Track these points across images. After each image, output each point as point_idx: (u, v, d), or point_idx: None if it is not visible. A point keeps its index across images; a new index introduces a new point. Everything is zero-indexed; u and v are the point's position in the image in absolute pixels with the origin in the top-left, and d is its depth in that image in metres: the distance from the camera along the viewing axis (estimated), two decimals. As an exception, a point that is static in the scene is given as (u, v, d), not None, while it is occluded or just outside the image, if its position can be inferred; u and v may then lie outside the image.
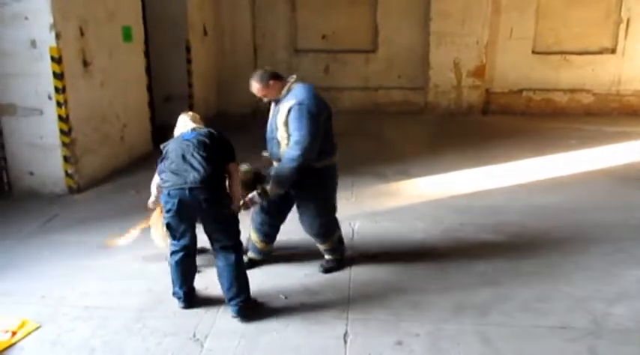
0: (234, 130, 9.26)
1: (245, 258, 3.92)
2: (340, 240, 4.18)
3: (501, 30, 10.33)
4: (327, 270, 4.09)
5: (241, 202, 3.66)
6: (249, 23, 10.56)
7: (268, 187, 3.70)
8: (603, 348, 3.16)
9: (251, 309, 3.50)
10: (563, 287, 3.84)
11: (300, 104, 3.63)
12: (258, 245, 4.17)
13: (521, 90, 10.60)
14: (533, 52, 10.46)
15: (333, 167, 3.96)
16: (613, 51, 10.40)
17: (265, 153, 4.03)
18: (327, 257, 4.15)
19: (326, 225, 3.99)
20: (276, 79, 3.80)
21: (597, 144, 8.09)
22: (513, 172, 6.69)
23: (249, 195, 3.72)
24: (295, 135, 3.63)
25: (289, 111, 3.65)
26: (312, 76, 10.60)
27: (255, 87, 3.78)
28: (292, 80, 3.82)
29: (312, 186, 3.84)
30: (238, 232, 3.54)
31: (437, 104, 10.51)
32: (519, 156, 7.34)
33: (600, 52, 10.43)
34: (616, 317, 3.47)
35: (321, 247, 4.12)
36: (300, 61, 10.66)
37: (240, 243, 3.58)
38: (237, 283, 3.44)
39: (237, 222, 3.54)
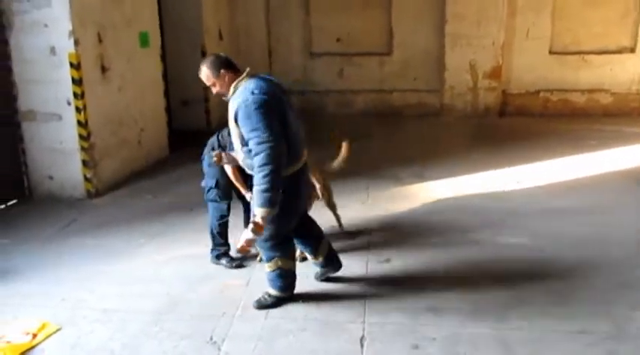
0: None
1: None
2: (285, 274, 3.58)
3: (517, 31, 10.23)
4: (259, 305, 3.60)
5: (239, 247, 3.29)
6: (263, 27, 10.60)
7: (256, 218, 3.16)
8: (625, 354, 3.11)
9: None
10: (582, 291, 3.79)
11: (245, 101, 3.13)
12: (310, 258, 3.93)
13: (538, 91, 10.48)
14: (551, 53, 10.34)
15: (298, 175, 3.41)
16: (632, 50, 10.22)
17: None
18: (267, 290, 3.65)
19: (265, 243, 3.47)
20: (229, 69, 3.32)
21: (617, 144, 7.96)
22: (532, 174, 6.61)
23: (242, 237, 3.23)
24: (254, 137, 3.09)
25: (237, 113, 3.18)
26: (327, 79, 10.64)
27: (205, 73, 3.33)
28: (243, 75, 3.32)
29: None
30: (211, 190, 4.13)
31: (453, 106, 10.44)
32: (537, 157, 7.25)
33: (619, 52, 10.27)
34: (638, 322, 3.41)
35: (265, 267, 3.64)
36: (315, 64, 10.67)
37: (212, 199, 4.15)
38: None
39: (211, 182, 4.10)
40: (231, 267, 4.21)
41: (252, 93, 3.16)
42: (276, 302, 3.64)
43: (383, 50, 10.64)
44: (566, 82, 10.37)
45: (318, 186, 4.33)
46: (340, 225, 4.76)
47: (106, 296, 3.84)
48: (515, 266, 4.20)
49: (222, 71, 3.30)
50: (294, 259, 3.69)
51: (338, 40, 10.65)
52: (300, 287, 3.82)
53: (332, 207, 4.65)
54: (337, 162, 4.48)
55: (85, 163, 5.85)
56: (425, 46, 10.49)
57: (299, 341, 3.29)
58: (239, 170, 3.84)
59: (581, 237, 4.75)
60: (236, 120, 3.22)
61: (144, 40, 7.00)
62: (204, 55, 9.08)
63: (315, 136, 8.66)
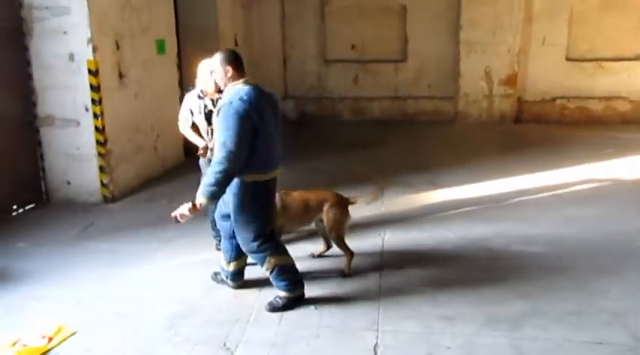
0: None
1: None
2: (284, 270, 3.66)
3: (533, 38, 10.18)
4: (271, 308, 3.66)
5: (172, 215, 3.44)
6: (278, 34, 10.67)
7: (197, 200, 3.38)
8: (643, 365, 3.07)
9: None
10: (599, 301, 3.74)
11: (230, 103, 3.36)
12: (223, 263, 3.96)
13: (554, 99, 10.40)
14: (567, 60, 10.27)
15: (264, 185, 3.55)
16: (650, 57, 10.13)
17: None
18: (278, 292, 3.72)
19: (251, 245, 3.61)
20: (236, 69, 3.48)
21: (634, 153, 7.86)
22: (547, 182, 6.55)
23: (180, 208, 3.40)
24: (221, 136, 3.35)
25: (219, 110, 3.43)
26: (342, 86, 10.66)
27: (214, 61, 3.52)
28: (241, 80, 3.49)
29: (236, 198, 3.53)
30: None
31: (467, 113, 10.40)
32: (553, 165, 7.19)
33: (636, 58, 10.15)
34: (656, 333, 3.36)
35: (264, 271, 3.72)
36: (330, 71, 10.71)
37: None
38: None
39: None
40: (218, 250, 4.43)
41: (240, 98, 3.37)
42: (287, 304, 3.68)
43: (397, 57, 10.64)
44: (583, 89, 10.27)
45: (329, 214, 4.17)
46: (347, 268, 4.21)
47: (121, 301, 3.87)
48: (531, 274, 4.16)
49: (228, 67, 3.50)
50: (287, 253, 3.73)
51: (353, 47, 10.67)
52: (313, 293, 3.83)
53: (337, 241, 4.23)
54: (367, 200, 4.45)
55: (101, 169, 5.92)
56: (440, 53, 10.47)
57: (312, 347, 3.28)
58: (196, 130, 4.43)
59: (597, 245, 4.69)
60: (217, 115, 3.47)
61: (160, 47, 7.09)
62: (219, 61, 9.17)
63: (330, 142, 8.72)
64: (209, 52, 9.20)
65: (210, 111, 4.33)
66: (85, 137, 5.84)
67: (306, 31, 10.68)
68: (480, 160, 7.62)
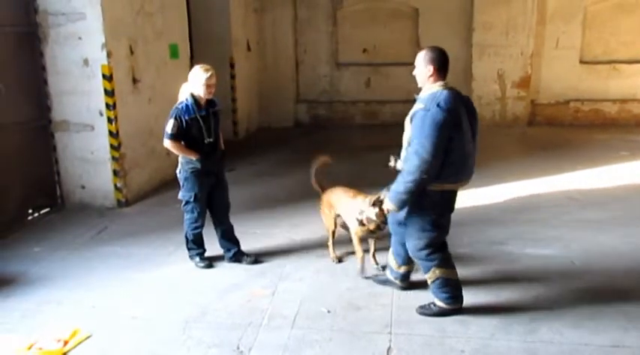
0: (275, 143, 9.36)
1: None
2: (447, 283, 3.54)
3: (547, 40, 10.12)
4: (421, 312, 3.62)
5: (357, 218, 3.77)
6: (291, 38, 10.71)
7: (384, 205, 3.49)
8: (661, 370, 3.02)
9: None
10: (615, 305, 3.69)
11: (426, 110, 3.24)
12: (393, 266, 3.90)
13: (568, 101, 10.33)
14: (581, 62, 10.19)
15: (448, 195, 3.47)
16: (665, 59, 10.02)
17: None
18: (434, 300, 3.62)
19: (420, 253, 3.53)
20: (438, 69, 3.38)
21: (650, 155, 7.78)
22: (561, 185, 6.49)
23: (366, 213, 3.69)
24: (415, 144, 3.24)
25: (414, 115, 3.32)
26: (354, 90, 10.67)
27: (420, 56, 3.46)
28: (440, 83, 3.39)
29: (416, 203, 3.41)
30: (188, 204, 4.39)
31: (480, 116, 10.22)
32: (567, 168, 7.13)
33: (651, 61, 10.07)
34: (674, 337, 3.31)
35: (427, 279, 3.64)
36: (342, 75, 10.72)
37: (189, 211, 4.41)
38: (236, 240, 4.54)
39: (188, 197, 4.36)
40: (201, 268, 4.43)
41: (438, 105, 3.24)
42: (439, 313, 3.59)
43: (410, 60, 10.49)
44: (597, 91, 10.19)
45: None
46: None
47: (135, 304, 3.89)
48: (546, 277, 4.12)
49: (430, 66, 3.38)
50: (453, 268, 3.61)
51: (364, 50, 10.68)
52: (326, 297, 3.82)
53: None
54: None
55: (115, 173, 5.96)
56: (452, 56, 10.20)
57: (325, 351, 3.27)
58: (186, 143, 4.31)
59: (612, 248, 4.64)
60: (411, 120, 3.35)
61: (173, 52, 7.14)
62: (232, 66, 9.22)
63: (342, 146, 8.71)
64: (222, 56, 9.31)
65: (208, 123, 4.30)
66: (100, 141, 5.90)
67: (319, 35, 10.72)
68: (494, 163, 7.56)
